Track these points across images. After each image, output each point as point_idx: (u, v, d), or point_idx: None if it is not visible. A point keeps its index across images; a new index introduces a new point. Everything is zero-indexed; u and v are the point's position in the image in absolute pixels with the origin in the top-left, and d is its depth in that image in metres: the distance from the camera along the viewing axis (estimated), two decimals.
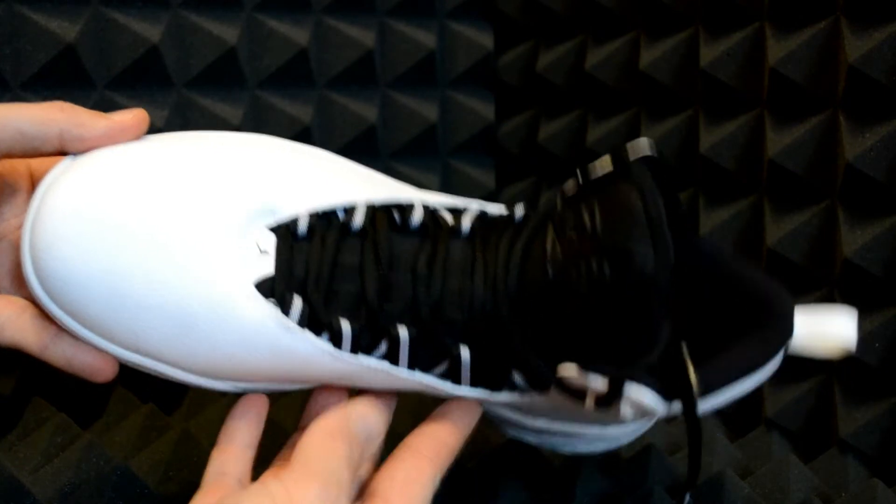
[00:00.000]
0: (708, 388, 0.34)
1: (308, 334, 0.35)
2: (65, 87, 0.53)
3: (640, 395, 0.32)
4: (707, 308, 0.38)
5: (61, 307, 0.35)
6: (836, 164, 0.50)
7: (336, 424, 0.35)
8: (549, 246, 0.36)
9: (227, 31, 0.58)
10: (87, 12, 0.53)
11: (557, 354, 0.35)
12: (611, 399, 0.33)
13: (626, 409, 0.32)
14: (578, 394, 0.34)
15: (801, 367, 0.54)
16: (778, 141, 0.53)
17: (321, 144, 0.65)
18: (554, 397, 0.36)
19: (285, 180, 0.37)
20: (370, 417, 0.38)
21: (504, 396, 0.38)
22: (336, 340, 0.36)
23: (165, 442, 0.47)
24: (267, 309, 0.35)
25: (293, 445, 0.38)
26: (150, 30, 0.55)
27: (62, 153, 0.37)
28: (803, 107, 0.52)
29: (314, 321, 0.36)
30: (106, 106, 0.55)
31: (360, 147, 0.66)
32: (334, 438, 0.35)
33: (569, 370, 0.33)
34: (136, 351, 0.36)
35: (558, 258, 0.36)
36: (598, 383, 0.33)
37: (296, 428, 0.40)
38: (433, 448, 0.37)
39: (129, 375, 0.54)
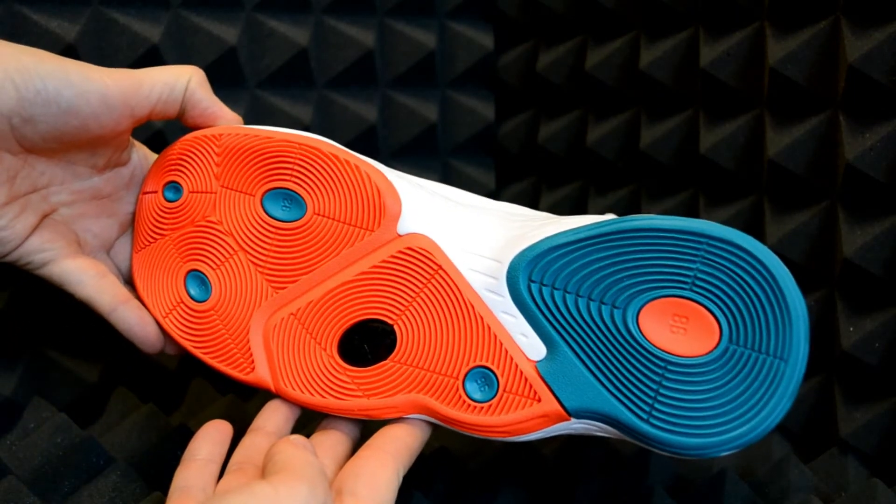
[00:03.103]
0: None
1: None
2: None
3: None
4: None
5: None
6: (836, 164, 0.50)
7: (300, 439, 0.36)
8: None
9: (227, 31, 0.58)
10: (87, 12, 0.53)
11: None
12: None
13: None
14: None
15: None
16: (778, 141, 0.53)
17: None
18: None
19: None
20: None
21: None
22: None
23: (165, 442, 0.47)
24: None
25: (249, 448, 0.39)
26: (150, 30, 0.55)
27: (178, 119, 0.43)
28: (803, 107, 0.52)
29: None
30: None
31: (360, 147, 0.66)
32: (301, 448, 0.35)
33: None
34: None
35: None
36: None
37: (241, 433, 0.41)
38: (394, 446, 0.39)
39: (130, 375, 0.54)
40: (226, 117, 0.44)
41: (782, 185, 0.54)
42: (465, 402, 0.39)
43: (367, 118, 0.65)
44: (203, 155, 0.43)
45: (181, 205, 0.43)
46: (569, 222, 0.40)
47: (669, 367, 0.37)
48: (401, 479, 0.38)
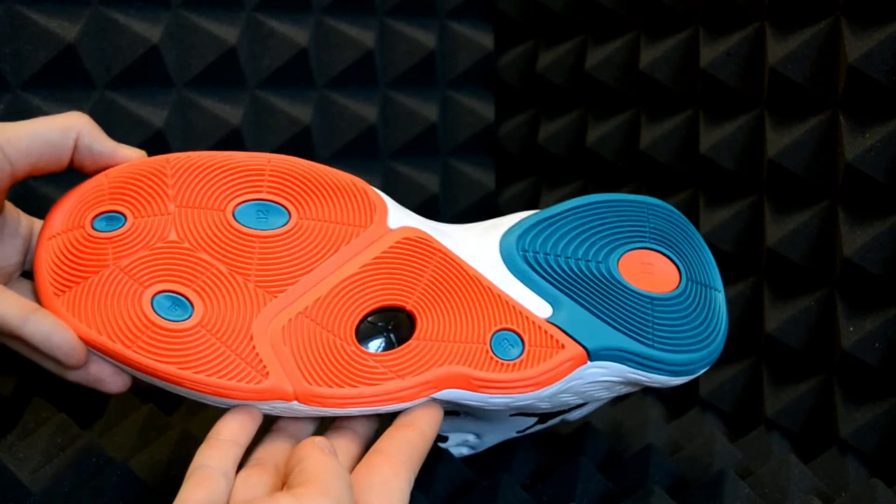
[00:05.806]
0: None
1: None
2: (65, 87, 0.53)
3: None
4: None
5: None
6: (836, 164, 0.50)
7: (326, 443, 0.37)
8: None
9: (227, 31, 0.58)
10: (87, 12, 0.53)
11: None
12: None
13: None
14: None
15: (801, 367, 0.54)
16: (778, 141, 0.53)
17: (321, 144, 0.65)
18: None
19: None
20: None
21: None
22: None
23: (165, 442, 0.47)
24: None
25: (272, 448, 0.39)
26: (150, 30, 0.55)
27: (71, 167, 0.41)
28: (803, 107, 0.52)
29: None
30: (106, 106, 0.55)
31: (360, 147, 0.66)
32: (328, 454, 0.35)
33: None
34: None
35: None
36: None
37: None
38: (405, 452, 0.39)
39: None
40: (130, 158, 0.43)
41: (782, 185, 0.54)
42: (497, 362, 0.41)
43: (367, 118, 0.65)
44: (149, 181, 0.42)
45: (125, 232, 0.41)
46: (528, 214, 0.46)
47: (654, 302, 0.44)
48: (412, 484, 0.38)
